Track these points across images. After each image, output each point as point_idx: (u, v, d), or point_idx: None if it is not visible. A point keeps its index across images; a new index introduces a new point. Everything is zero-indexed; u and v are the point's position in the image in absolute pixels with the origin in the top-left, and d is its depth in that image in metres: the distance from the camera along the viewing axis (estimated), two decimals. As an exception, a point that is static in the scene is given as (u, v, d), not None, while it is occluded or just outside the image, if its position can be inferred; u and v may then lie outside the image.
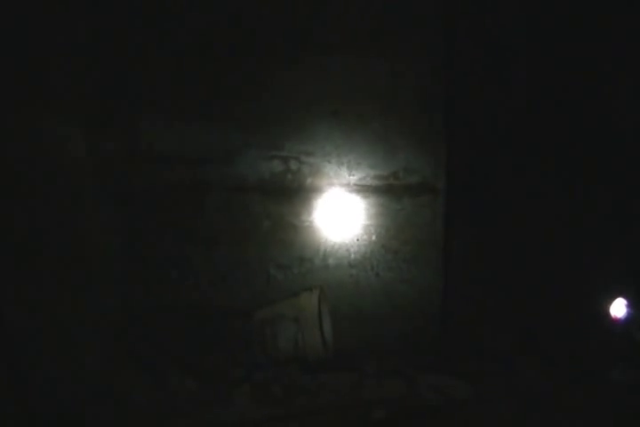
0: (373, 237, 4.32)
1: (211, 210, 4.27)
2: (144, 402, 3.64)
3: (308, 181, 4.30)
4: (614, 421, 3.41)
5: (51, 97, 3.81)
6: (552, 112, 4.37)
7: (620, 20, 4.25)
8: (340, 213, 4.30)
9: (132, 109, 4.19)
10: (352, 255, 4.33)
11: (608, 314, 4.24)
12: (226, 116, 4.21)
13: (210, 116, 4.20)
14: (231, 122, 4.21)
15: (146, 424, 3.41)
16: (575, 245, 4.37)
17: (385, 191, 4.28)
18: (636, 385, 3.76)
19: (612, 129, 4.34)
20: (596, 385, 3.78)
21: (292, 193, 4.31)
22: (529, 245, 4.39)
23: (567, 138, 4.38)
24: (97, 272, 4.02)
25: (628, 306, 4.21)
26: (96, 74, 4.09)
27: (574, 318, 4.24)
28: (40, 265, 3.65)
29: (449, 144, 4.24)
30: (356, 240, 4.33)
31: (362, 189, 4.29)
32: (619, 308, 4.24)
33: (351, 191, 4.30)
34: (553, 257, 4.38)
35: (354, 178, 4.29)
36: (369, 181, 4.28)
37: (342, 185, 4.29)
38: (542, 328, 4.28)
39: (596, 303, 4.23)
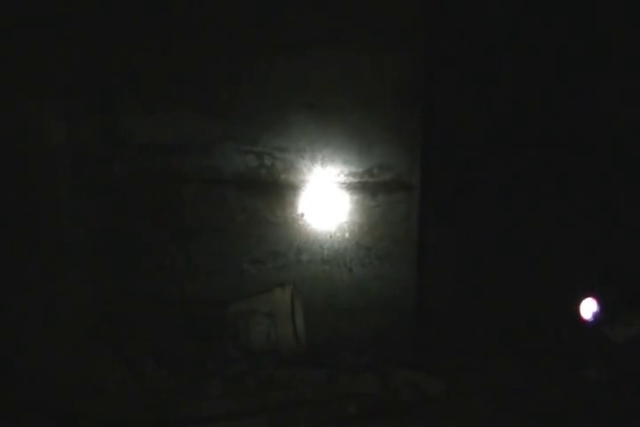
0: (347, 234, 4.31)
1: (187, 200, 4.25)
2: (117, 390, 3.61)
3: (282, 176, 4.29)
4: (587, 417, 3.44)
5: (30, 83, 3.78)
6: (536, 109, 4.41)
7: (607, 19, 4.31)
8: (314, 210, 4.30)
9: (112, 97, 4.17)
10: (325, 251, 4.32)
11: (578, 315, 4.28)
12: (204, 107, 4.19)
13: (189, 105, 4.19)
14: (209, 113, 4.20)
15: (118, 413, 3.37)
16: (552, 243, 4.41)
17: (359, 188, 4.28)
18: (609, 382, 3.80)
19: (598, 128, 4.40)
20: (571, 382, 3.81)
21: (266, 188, 4.29)
22: (505, 242, 4.43)
23: (549, 135, 4.42)
24: (73, 259, 3.97)
25: (598, 307, 4.25)
26: (76, 60, 4.04)
27: (550, 316, 4.28)
28: (16, 251, 3.61)
29: (425, 140, 4.24)
30: (329, 236, 4.32)
31: (336, 186, 4.28)
32: (588, 309, 4.28)
33: (325, 188, 4.28)
34: (529, 254, 4.42)
35: (328, 174, 4.28)
36: (343, 178, 4.28)
37: (316, 181, 4.28)
38: (518, 325, 4.31)
39: (571, 301, 4.28)
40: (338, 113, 4.23)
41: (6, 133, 3.74)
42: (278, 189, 4.30)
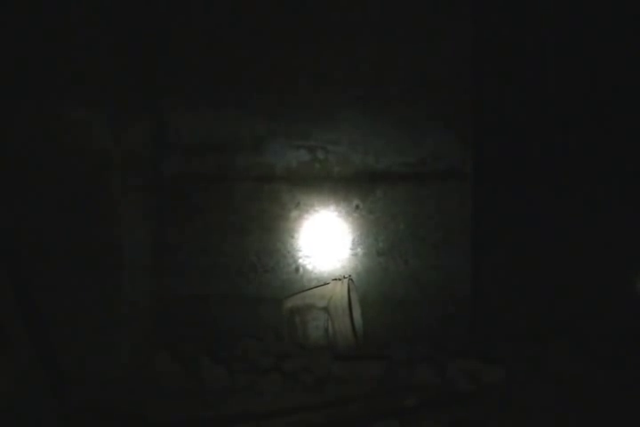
0: (401, 225, 4.29)
1: (239, 198, 4.30)
2: (174, 390, 3.67)
3: (336, 169, 4.29)
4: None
5: (78, 84, 3.85)
6: (591, 98, 4.33)
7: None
8: (368, 202, 4.28)
9: (159, 97, 4.27)
10: (380, 243, 4.31)
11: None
12: (253, 104, 4.25)
13: (237, 103, 4.25)
14: (258, 110, 4.25)
15: (176, 412, 3.42)
16: (608, 229, 4.32)
17: (412, 178, 4.25)
18: None
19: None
20: (633, 369, 3.73)
21: (320, 182, 4.30)
22: (560, 228, 4.35)
23: (603, 126, 4.34)
24: (125, 259, 4.05)
25: None
26: (123, 60, 4.12)
27: (607, 301, 4.19)
28: (67, 253, 3.70)
29: (477, 129, 4.19)
30: (383, 228, 4.30)
31: (389, 177, 4.26)
32: None
33: (378, 179, 4.27)
34: (584, 240, 4.33)
35: (381, 166, 4.27)
36: (396, 169, 4.26)
37: (369, 173, 4.28)
38: (574, 311, 4.24)
39: (630, 285, 4.19)
40: (388, 105, 4.22)
41: (54, 137, 3.83)
42: (331, 183, 4.31)
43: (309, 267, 4.33)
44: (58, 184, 3.95)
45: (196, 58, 4.23)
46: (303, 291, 4.22)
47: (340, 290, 4.09)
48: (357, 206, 4.29)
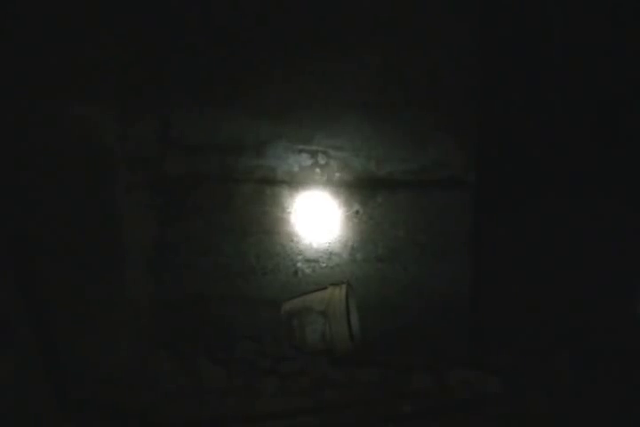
0: (401, 232, 4.27)
1: (240, 200, 4.27)
2: (172, 389, 3.65)
3: (337, 175, 4.27)
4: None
5: (81, 83, 3.85)
6: (595, 106, 4.34)
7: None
8: (368, 208, 4.27)
9: (163, 96, 4.22)
10: (380, 250, 4.29)
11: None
12: (258, 107, 4.21)
13: (240, 104, 4.21)
14: (263, 113, 4.22)
15: (174, 412, 3.41)
16: (610, 241, 4.32)
17: (414, 186, 4.24)
18: None
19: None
20: (630, 381, 3.72)
21: (321, 186, 4.28)
22: (562, 240, 4.35)
23: (607, 132, 4.34)
24: (126, 258, 4.04)
25: None
26: (126, 60, 4.11)
27: (608, 314, 4.20)
28: (69, 251, 3.68)
29: (481, 137, 4.18)
30: (383, 234, 4.29)
31: (390, 184, 4.25)
32: None
33: (379, 186, 4.26)
34: (586, 252, 4.34)
35: (382, 172, 4.25)
36: (398, 176, 4.24)
37: (370, 180, 4.26)
38: (575, 323, 4.24)
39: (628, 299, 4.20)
40: (393, 111, 4.20)
41: (62, 134, 3.83)
42: (332, 188, 4.28)
43: (308, 271, 4.31)
44: (59, 182, 3.94)
45: (201, 59, 4.20)
46: (302, 294, 4.21)
47: (339, 295, 4.09)
48: (357, 212, 4.27)
